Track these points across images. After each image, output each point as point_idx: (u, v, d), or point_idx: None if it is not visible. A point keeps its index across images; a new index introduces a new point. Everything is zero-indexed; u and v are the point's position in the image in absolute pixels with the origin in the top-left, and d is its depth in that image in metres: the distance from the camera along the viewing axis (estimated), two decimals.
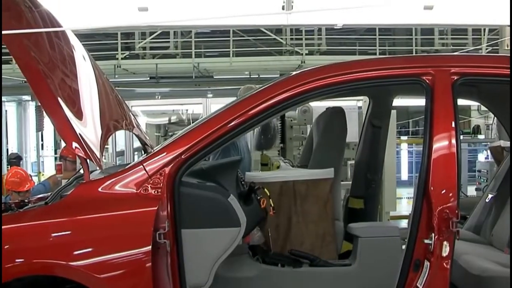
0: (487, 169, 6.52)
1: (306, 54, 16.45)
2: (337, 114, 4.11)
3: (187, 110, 11.47)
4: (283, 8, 6.74)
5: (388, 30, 17.64)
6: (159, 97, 11.61)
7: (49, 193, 3.81)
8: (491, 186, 4.35)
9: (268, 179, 3.64)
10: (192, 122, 3.95)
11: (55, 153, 13.53)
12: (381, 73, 3.03)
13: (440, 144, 2.86)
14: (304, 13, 7.03)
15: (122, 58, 15.74)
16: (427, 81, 2.97)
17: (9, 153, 13.16)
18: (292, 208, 3.60)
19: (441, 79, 2.96)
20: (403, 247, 3.52)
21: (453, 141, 2.85)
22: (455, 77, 2.98)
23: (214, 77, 15.74)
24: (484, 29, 15.80)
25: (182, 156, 2.80)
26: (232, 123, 2.87)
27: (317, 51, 17.59)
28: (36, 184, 7.14)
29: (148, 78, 15.35)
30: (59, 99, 2.74)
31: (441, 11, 7.21)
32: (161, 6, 6.92)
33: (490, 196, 4.27)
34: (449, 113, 2.90)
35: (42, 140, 14.73)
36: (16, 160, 10.77)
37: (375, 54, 16.55)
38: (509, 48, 8.36)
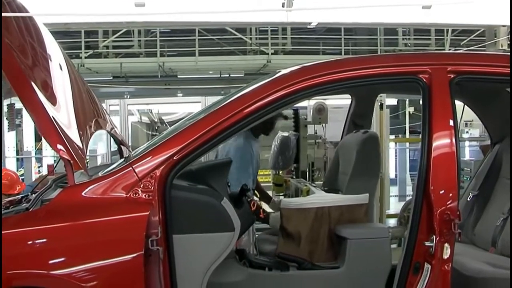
0: (470, 168, 6.50)
1: (271, 54, 16.43)
2: (372, 140, 4.04)
3: (152, 110, 11.19)
4: (283, 6, 6.63)
5: (350, 30, 17.75)
6: (128, 97, 11.44)
7: (20, 196, 3.60)
8: (472, 185, 4.33)
9: (303, 205, 3.53)
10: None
11: (17, 154, 13.16)
12: (377, 71, 2.98)
13: (439, 143, 2.82)
14: (303, 11, 6.95)
15: (85, 57, 15.41)
16: (424, 80, 2.93)
17: None
18: (327, 233, 3.51)
19: (438, 77, 2.93)
20: (393, 246, 3.47)
21: (453, 140, 2.82)
22: (452, 75, 2.95)
23: (178, 76, 15.53)
24: (447, 30, 16.05)
25: (174, 157, 2.67)
26: (227, 122, 2.75)
27: (281, 51, 17.59)
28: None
29: (111, 78, 15.04)
30: (42, 100, 2.56)
31: (440, 10, 7.25)
32: (158, 2, 6.73)
33: (471, 195, 4.25)
34: (447, 111, 2.87)
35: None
36: None
37: (340, 53, 16.67)
38: (503, 47, 8.49)
